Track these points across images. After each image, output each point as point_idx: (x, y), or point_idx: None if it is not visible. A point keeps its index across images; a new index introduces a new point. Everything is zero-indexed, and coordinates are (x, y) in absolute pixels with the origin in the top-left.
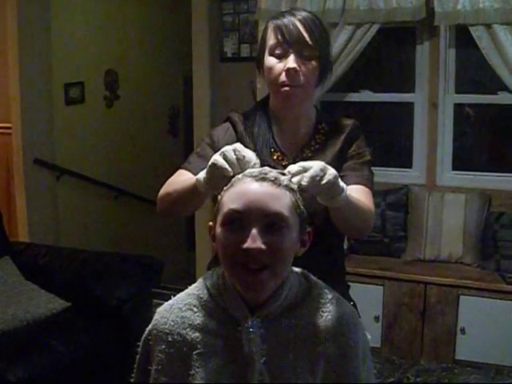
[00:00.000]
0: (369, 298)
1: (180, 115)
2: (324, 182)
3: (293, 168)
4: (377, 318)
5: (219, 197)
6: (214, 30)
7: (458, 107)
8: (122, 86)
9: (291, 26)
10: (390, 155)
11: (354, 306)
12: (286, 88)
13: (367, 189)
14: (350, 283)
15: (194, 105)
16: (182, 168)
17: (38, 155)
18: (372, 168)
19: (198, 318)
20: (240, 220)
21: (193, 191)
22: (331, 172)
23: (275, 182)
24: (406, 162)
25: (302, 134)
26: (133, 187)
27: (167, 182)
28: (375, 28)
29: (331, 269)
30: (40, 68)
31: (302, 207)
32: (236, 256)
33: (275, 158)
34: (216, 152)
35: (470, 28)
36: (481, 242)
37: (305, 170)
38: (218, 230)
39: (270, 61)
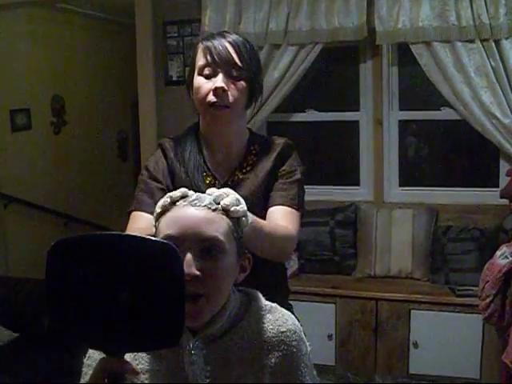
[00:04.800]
0: (321, 317)
1: (129, 139)
2: (238, 210)
3: (214, 191)
4: (330, 337)
5: (156, 223)
6: (159, 53)
7: (403, 124)
8: (70, 112)
9: (220, 47)
10: (337, 173)
11: None
12: (214, 108)
13: (292, 209)
14: (301, 303)
15: (141, 128)
16: (134, 211)
17: None
18: (305, 186)
19: None
20: (176, 246)
21: None
22: (243, 205)
23: (211, 206)
24: (353, 179)
25: (234, 157)
26: (82, 213)
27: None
28: (318, 48)
29: (272, 291)
30: None
31: (239, 232)
32: None
33: (208, 182)
34: (158, 182)
35: (411, 46)
36: (430, 257)
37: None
38: None
39: (198, 80)
